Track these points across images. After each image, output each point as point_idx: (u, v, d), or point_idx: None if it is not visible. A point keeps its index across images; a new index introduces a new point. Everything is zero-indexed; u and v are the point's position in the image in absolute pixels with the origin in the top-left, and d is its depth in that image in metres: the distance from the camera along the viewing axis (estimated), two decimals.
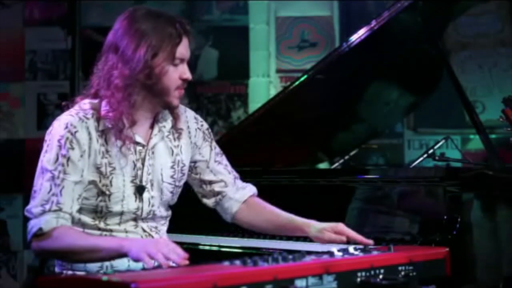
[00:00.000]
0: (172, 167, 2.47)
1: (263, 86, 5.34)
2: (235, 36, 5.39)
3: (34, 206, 2.28)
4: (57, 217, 2.26)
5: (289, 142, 3.77)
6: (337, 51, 3.37)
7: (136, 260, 2.10)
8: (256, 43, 5.37)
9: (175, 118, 2.48)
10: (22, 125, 5.42)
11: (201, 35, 5.37)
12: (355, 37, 3.23)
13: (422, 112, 4.77)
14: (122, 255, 2.18)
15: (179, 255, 2.08)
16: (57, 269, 2.43)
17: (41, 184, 2.29)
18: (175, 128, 2.49)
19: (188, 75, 2.36)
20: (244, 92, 5.38)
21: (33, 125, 5.39)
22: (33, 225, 2.26)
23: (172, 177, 2.48)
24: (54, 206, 2.26)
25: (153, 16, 2.35)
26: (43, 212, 2.26)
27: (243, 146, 3.63)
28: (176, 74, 2.35)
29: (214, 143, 2.62)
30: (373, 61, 3.43)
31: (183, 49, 2.35)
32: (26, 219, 2.32)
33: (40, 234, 2.24)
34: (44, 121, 5.37)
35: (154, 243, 2.13)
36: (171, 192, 2.49)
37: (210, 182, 2.60)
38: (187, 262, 2.07)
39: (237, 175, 2.66)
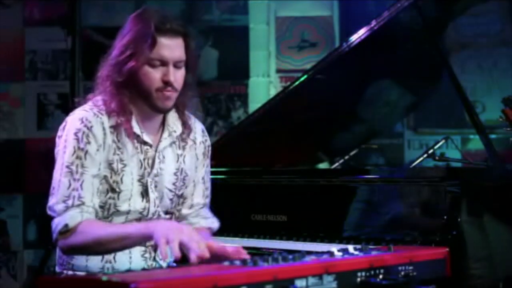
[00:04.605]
0: (175, 174, 2.47)
1: (263, 86, 5.33)
2: (235, 36, 5.38)
3: (55, 203, 2.27)
4: (81, 211, 2.26)
5: (289, 142, 3.77)
6: (337, 51, 3.37)
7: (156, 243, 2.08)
8: (256, 43, 5.36)
9: (185, 125, 2.47)
10: (22, 125, 5.40)
11: (201, 35, 5.36)
12: (355, 37, 3.23)
13: (422, 112, 4.76)
14: (148, 237, 2.16)
15: (198, 249, 2.05)
16: (57, 269, 2.43)
17: (59, 180, 2.28)
18: (182, 136, 2.48)
19: (168, 77, 2.31)
20: (244, 92, 5.37)
21: (33, 125, 5.38)
22: (58, 223, 2.26)
23: (173, 184, 2.47)
24: (77, 201, 2.26)
25: (138, 18, 2.35)
26: (67, 209, 2.25)
27: (243, 146, 3.63)
28: (156, 76, 2.32)
29: (208, 161, 2.60)
30: (373, 61, 3.43)
31: (162, 51, 2.30)
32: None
33: (66, 230, 2.24)
34: (44, 121, 5.37)
35: (177, 230, 2.10)
36: (171, 200, 2.47)
37: (183, 202, 2.55)
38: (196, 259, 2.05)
39: (208, 202, 2.61)
